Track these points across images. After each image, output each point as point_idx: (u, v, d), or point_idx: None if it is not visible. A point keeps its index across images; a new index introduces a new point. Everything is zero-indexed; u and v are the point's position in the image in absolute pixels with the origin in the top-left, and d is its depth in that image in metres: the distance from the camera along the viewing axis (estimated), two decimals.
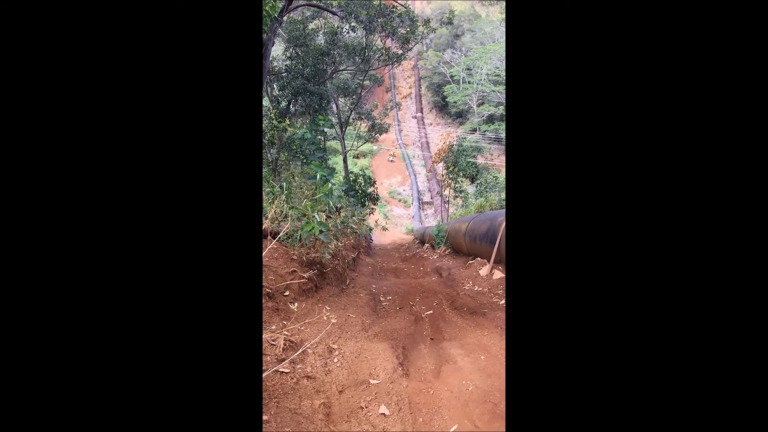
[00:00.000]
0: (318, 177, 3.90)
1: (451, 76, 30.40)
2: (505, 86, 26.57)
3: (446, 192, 17.81)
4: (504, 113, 26.91)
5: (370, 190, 11.32)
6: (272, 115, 8.25)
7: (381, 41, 13.09)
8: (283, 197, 3.80)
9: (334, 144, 20.97)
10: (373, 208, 11.03)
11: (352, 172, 14.80)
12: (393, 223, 23.12)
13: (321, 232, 3.03)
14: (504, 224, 4.22)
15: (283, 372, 1.84)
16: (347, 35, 12.69)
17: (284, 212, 3.64)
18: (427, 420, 1.75)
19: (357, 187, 10.39)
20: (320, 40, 12.53)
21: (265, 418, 1.46)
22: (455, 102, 29.40)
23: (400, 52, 12.98)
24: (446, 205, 20.60)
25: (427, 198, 26.25)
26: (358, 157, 27.42)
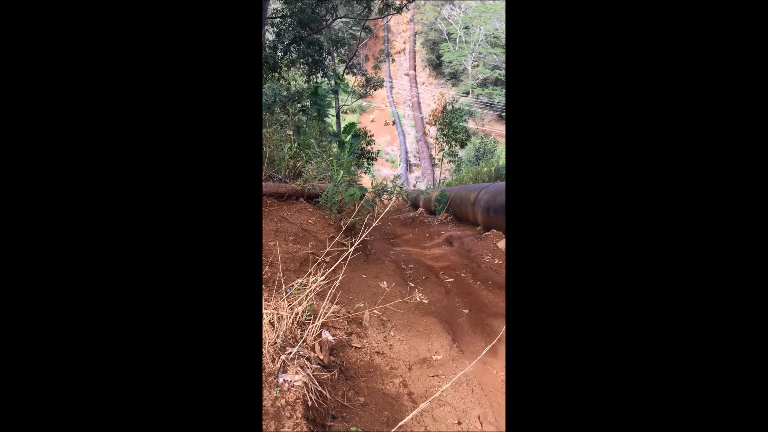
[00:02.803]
0: (346, 137, 3.72)
1: (448, 34, 29.36)
2: (502, 50, 25.96)
3: (436, 155, 17.61)
4: (498, 77, 26.47)
5: (368, 148, 11.05)
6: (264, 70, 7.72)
7: None
8: (309, 157, 3.62)
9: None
10: (369, 167, 10.78)
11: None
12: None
13: (362, 197, 2.91)
14: None
15: (357, 348, 1.80)
16: None
17: (314, 173, 3.47)
18: (503, 404, 1.76)
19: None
20: None
21: (362, 400, 1.42)
22: (450, 61, 28.59)
23: (399, 2, 12.25)
24: (434, 168, 20.44)
25: (414, 160, 26.05)
26: (346, 113, 26.66)
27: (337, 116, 15.59)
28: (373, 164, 11.95)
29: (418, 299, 1.76)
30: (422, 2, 30.24)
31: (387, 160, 26.03)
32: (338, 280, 1.64)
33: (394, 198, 3.60)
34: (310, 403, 1.04)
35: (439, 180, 18.07)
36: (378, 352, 1.88)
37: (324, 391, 1.13)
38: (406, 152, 26.26)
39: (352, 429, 1.18)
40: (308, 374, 1.08)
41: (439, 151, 16.45)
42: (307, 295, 1.59)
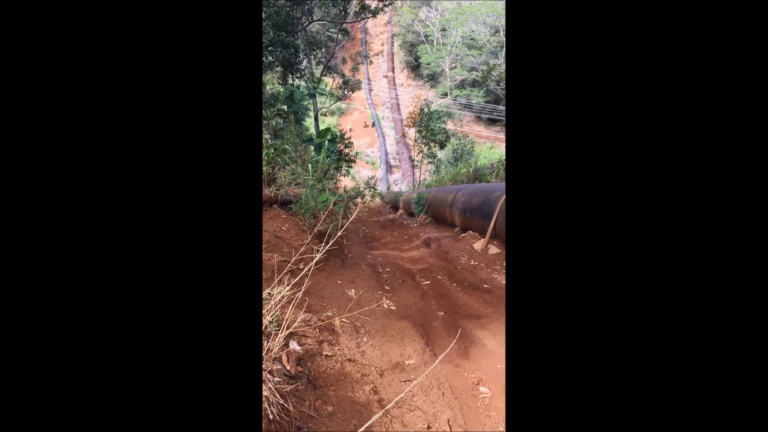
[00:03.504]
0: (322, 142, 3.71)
1: (426, 36, 29.57)
2: (479, 52, 26.29)
3: (415, 156, 17.68)
4: (475, 79, 26.77)
5: (347, 151, 11.01)
6: None
7: None
8: (287, 163, 3.59)
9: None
10: (349, 170, 10.75)
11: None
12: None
13: (335, 203, 2.90)
14: (503, 199, 4.26)
15: (328, 356, 1.79)
16: None
17: (288, 179, 3.45)
18: (473, 406, 1.78)
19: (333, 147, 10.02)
20: None
21: (330, 409, 1.42)
22: (428, 63, 28.80)
23: (375, 5, 12.29)
24: (414, 170, 20.51)
25: (394, 161, 26.11)
26: (325, 115, 26.54)
27: (316, 119, 15.51)
28: (352, 166, 11.88)
29: (386, 306, 1.77)
30: (399, 4, 30.39)
31: (367, 162, 26.03)
32: (301, 291, 1.64)
33: (368, 198, 3.59)
34: (272, 416, 1.04)
35: (419, 181, 18.16)
36: (349, 359, 1.88)
37: (287, 404, 1.13)
38: (386, 154, 26.30)
39: None
40: (270, 387, 1.08)
41: (419, 153, 16.54)
42: (275, 305, 1.58)
